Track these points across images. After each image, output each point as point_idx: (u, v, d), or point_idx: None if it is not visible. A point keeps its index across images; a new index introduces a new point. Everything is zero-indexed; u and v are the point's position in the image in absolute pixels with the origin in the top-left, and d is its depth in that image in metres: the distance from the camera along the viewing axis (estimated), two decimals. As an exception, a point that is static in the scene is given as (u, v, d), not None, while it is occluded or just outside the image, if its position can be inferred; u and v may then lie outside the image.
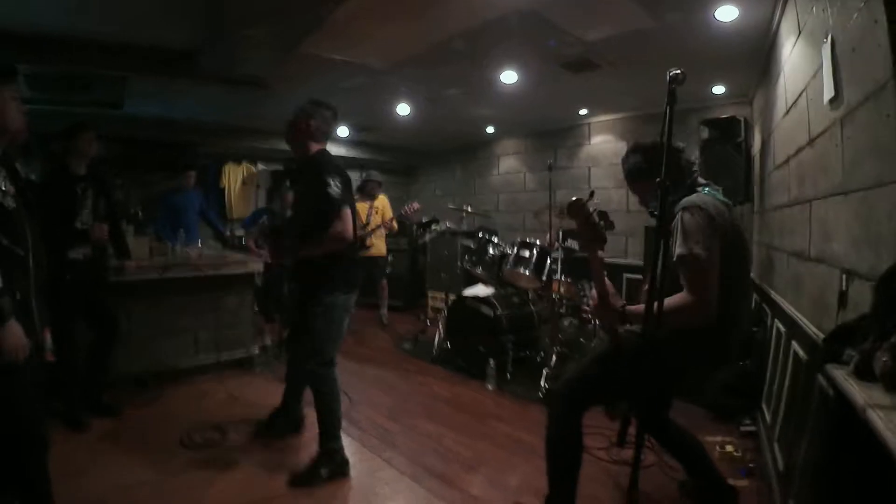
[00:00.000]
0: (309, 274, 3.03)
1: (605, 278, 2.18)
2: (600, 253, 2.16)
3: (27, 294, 2.06)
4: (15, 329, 1.92)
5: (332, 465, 3.01)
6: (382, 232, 6.44)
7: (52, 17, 3.97)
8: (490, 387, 4.51)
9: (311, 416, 3.27)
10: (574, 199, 2.16)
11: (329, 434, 3.05)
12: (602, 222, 2.16)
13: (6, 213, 2.00)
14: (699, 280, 1.97)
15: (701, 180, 2.30)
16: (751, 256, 2.24)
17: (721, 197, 2.23)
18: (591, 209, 2.13)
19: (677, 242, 2.02)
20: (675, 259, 2.00)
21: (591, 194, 2.37)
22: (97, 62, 4.66)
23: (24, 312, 2.00)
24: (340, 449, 3.08)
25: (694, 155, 5.41)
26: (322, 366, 3.02)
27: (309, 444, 3.33)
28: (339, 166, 2.99)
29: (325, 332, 3.01)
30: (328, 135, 3.16)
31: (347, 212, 2.92)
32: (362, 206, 6.44)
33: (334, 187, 2.85)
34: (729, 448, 3.22)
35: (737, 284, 2.12)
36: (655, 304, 1.72)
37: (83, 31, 4.29)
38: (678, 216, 2.06)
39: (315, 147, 3.09)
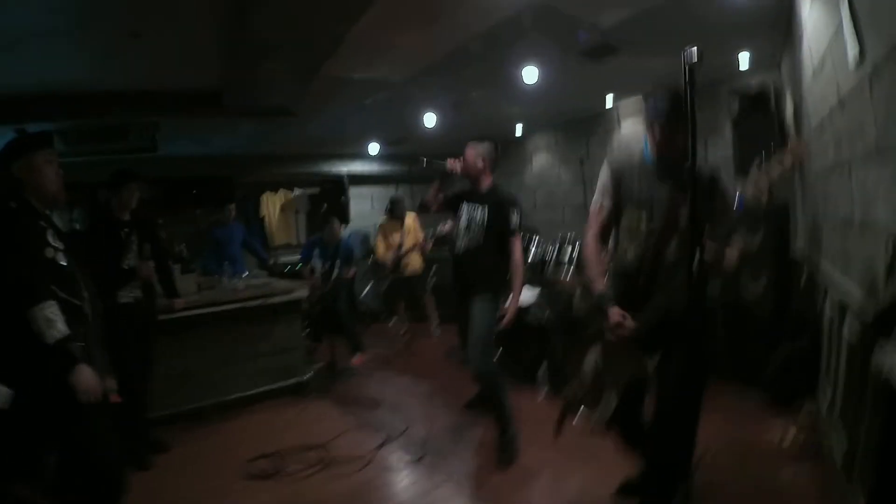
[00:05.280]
0: (489, 280, 3.42)
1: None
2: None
3: (87, 342, 2.17)
4: (86, 370, 2.04)
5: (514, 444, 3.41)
6: (417, 251, 6.58)
7: (78, 73, 4.14)
8: (543, 391, 4.44)
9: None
10: None
11: (508, 422, 3.44)
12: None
13: (60, 269, 2.14)
14: None
15: None
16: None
17: None
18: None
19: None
20: None
21: None
22: (127, 111, 4.84)
23: (86, 359, 2.10)
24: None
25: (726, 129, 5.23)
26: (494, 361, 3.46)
27: (375, 474, 3.37)
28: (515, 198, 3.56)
29: (493, 330, 3.40)
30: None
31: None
32: (395, 228, 6.60)
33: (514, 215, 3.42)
34: (790, 436, 3.07)
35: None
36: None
37: (109, 82, 4.46)
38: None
39: (489, 179, 3.55)
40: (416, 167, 3.64)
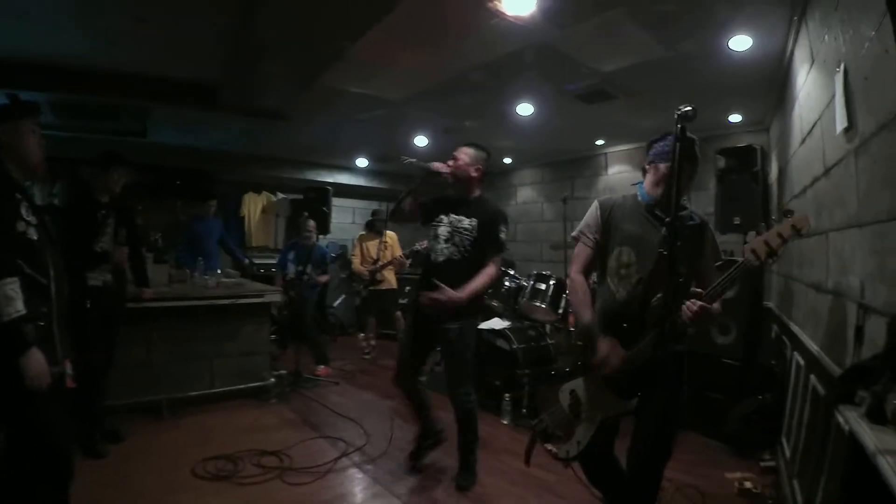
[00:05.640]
0: (474, 298, 3.22)
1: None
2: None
3: (49, 322, 2.10)
4: (37, 356, 1.96)
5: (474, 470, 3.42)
6: (392, 266, 6.59)
7: (78, 49, 4.14)
8: (505, 421, 4.45)
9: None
10: None
11: (473, 450, 3.43)
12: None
13: (29, 244, 2.06)
14: None
15: None
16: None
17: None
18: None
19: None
20: None
21: None
22: (121, 92, 4.83)
23: (45, 340, 2.04)
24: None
25: (710, 184, 5.37)
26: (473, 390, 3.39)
27: (330, 485, 3.33)
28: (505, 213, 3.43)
29: (472, 358, 3.36)
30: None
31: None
32: (372, 243, 6.61)
33: (503, 233, 3.29)
34: (748, 484, 3.12)
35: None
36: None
37: (108, 62, 4.46)
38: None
39: (478, 190, 3.40)
40: (398, 184, 3.59)
